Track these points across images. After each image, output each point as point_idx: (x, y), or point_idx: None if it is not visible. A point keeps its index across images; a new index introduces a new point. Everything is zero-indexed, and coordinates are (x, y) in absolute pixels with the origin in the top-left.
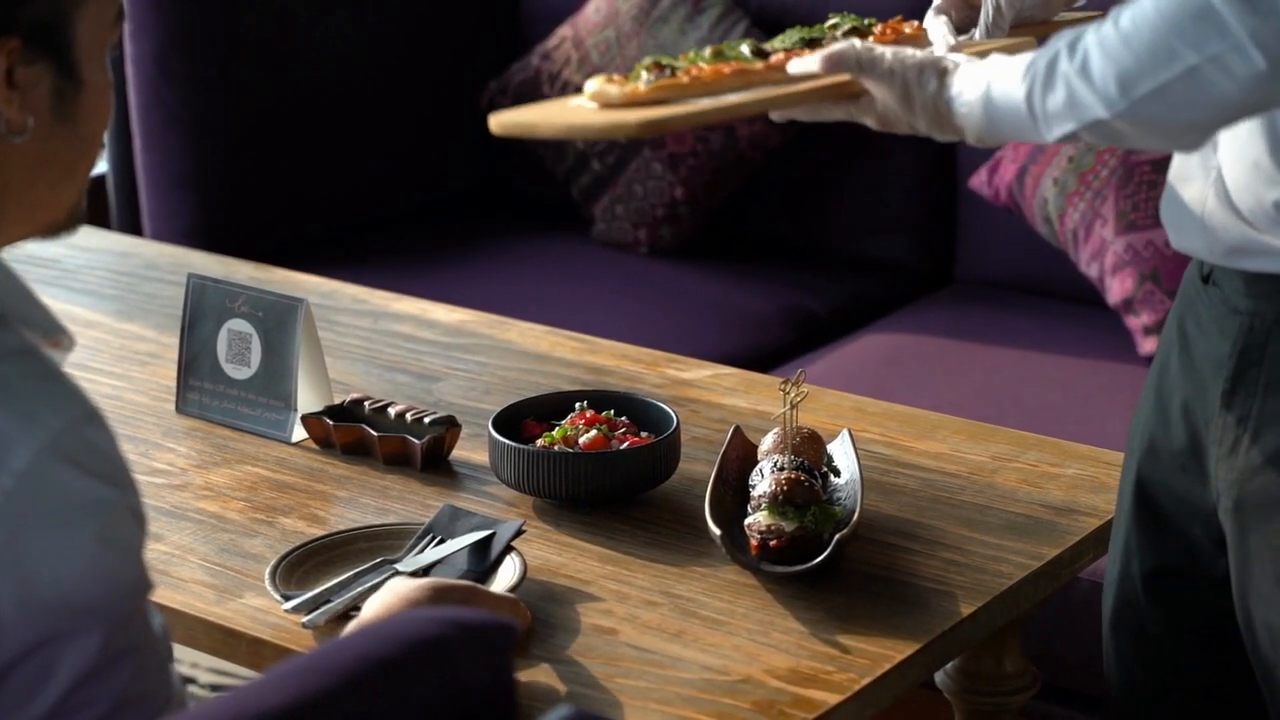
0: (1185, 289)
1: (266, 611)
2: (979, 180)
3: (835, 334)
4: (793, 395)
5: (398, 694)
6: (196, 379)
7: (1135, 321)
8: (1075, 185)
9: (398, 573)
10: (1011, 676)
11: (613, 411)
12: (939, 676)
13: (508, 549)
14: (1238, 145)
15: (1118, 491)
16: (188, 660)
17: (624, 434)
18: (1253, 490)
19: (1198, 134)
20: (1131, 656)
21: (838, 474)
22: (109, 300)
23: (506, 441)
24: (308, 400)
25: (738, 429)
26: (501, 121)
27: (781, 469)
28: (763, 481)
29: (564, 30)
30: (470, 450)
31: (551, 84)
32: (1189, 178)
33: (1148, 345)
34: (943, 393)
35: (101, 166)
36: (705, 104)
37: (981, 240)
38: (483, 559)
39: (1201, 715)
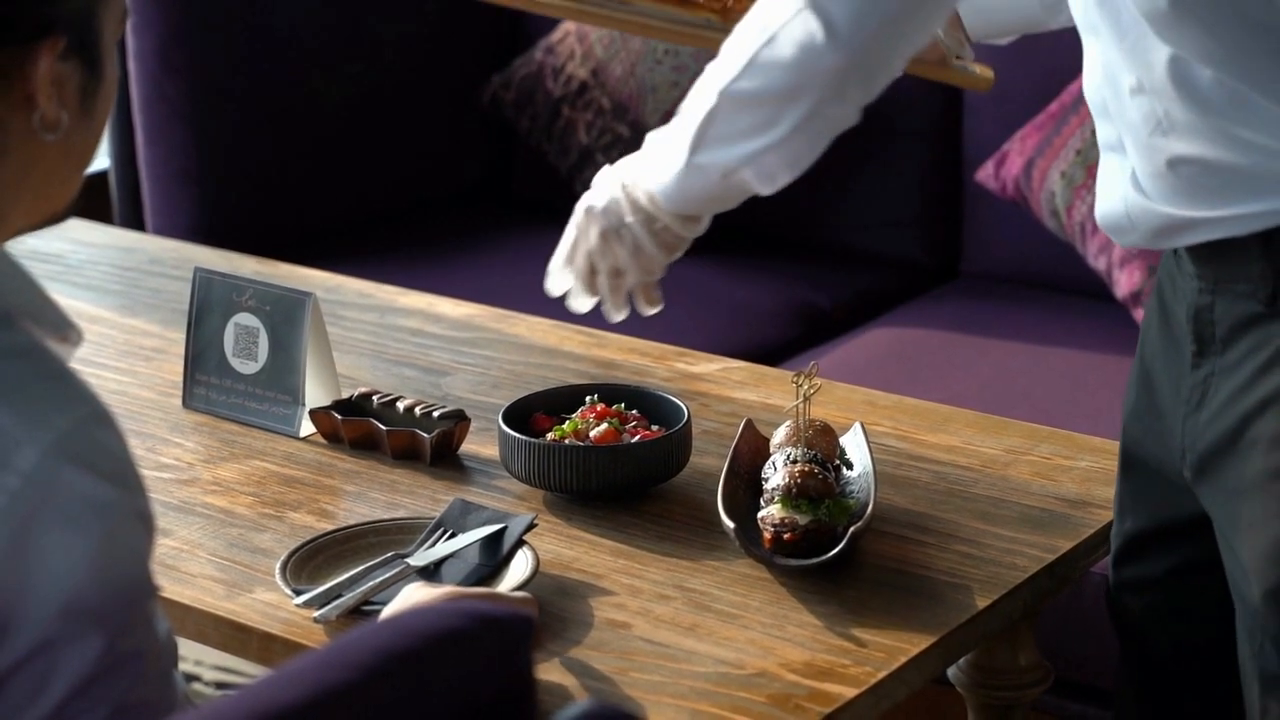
0: (1164, 259)
1: (277, 606)
2: (985, 173)
3: (841, 329)
4: (806, 388)
5: (416, 688)
6: (203, 374)
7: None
8: (1083, 178)
9: (409, 567)
10: (1025, 671)
11: (623, 405)
12: (952, 671)
13: (520, 543)
14: (1136, 137)
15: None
16: (191, 658)
17: (635, 427)
18: (1209, 441)
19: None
20: (1136, 621)
21: (850, 467)
22: (113, 296)
23: (517, 435)
24: (316, 395)
25: (749, 422)
26: None
27: (795, 462)
28: (776, 474)
29: (568, 24)
30: (480, 444)
31: (555, 78)
32: (1111, 184)
33: None
34: (951, 387)
35: (103, 162)
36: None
37: (988, 234)
38: (494, 553)
39: (1207, 678)
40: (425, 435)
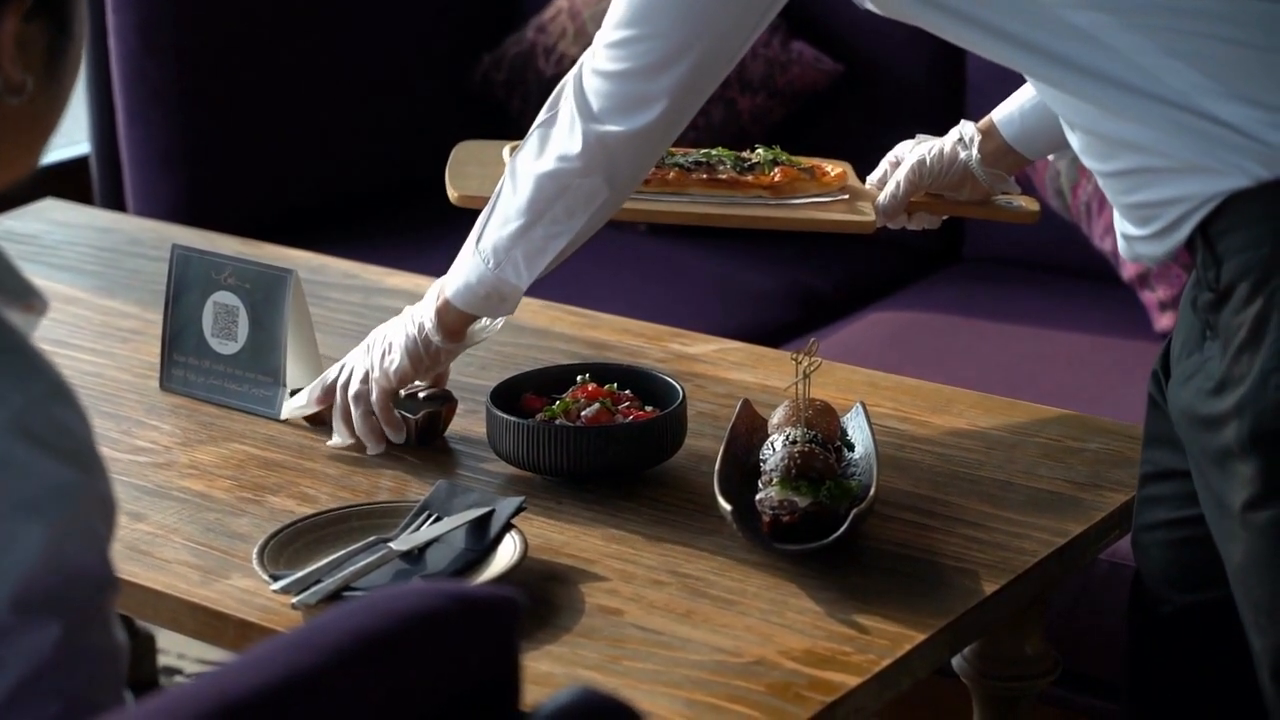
0: None
1: (254, 593)
2: None
3: (840, 312)
4: (805, 365)
5: (391, 672)
6: (181, 354)
7: (1151, 297)
8: None
9: (392, 551)
10: (1032, 660)
11: (616, 385)
12: (956, 661)
13: (507, 527)
14: (1090, 167)
15: None
16: (174, 651)
17: (628, 408)
18: (1180, 417)
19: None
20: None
21: (852, 448)
22: (90, 276)
23: (505, 416)
24: (297, 375)
25: (746, 402)
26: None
27: (794, 442)
28: (774, 455)
29: (560, 2)
30: (467, 426)
31: (547, 57)
32: (1115, 221)
33: (1164, 321)
34: (953, 371)
35: (83, 145)
36: None
37: None
38: (481, 537)
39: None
40: (411, 417)
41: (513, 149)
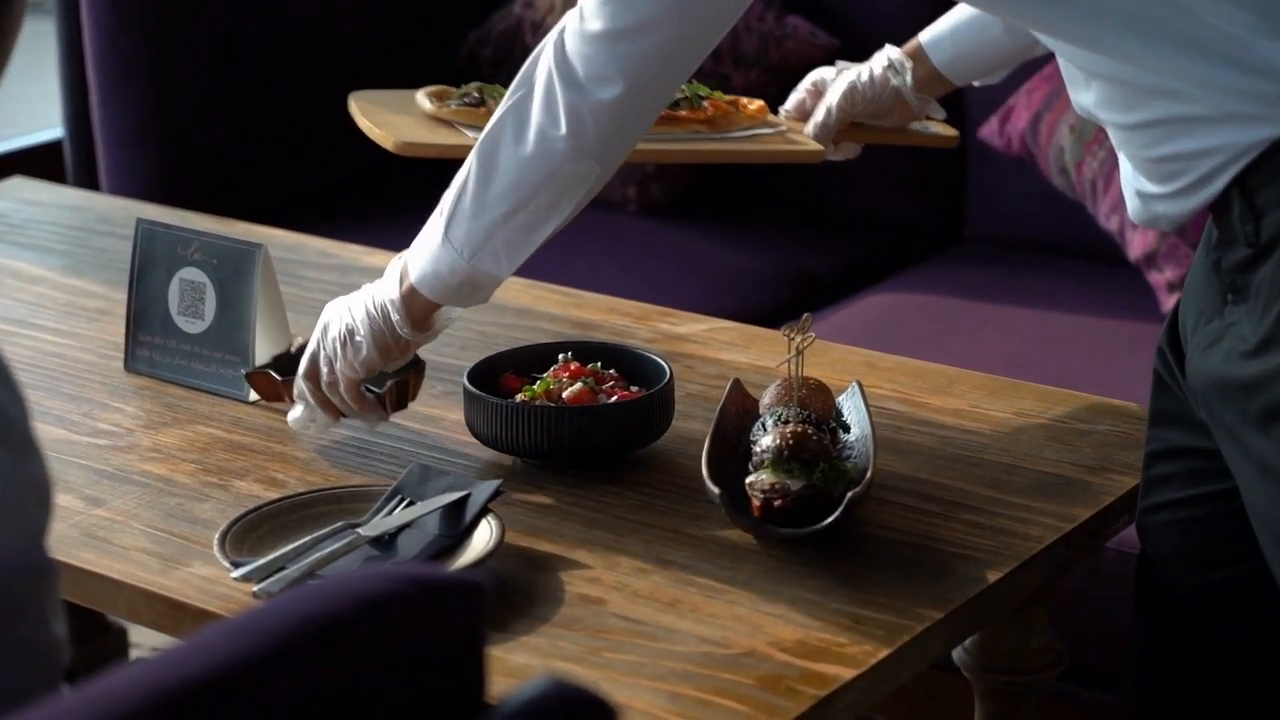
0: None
1: (215, 581)
2: (989, 129)
3: (836, 295)
4: (798, 341)
5: (344, 660)
6: (146, 334)
7: (1159, 278)
8: (1094, 132)
9: (360, 537)
10: (1037, 653)
11: (600, 364)
12: (957, 653)
13: (483, 511)
14: (1108, 121)
15: None
16: (147, 645)
17: (612, 387)
18: (1212, 384)
19: None
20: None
21: (847, 429)
22: (57, 255)
23: (483, 395)
24: (267, 356)
25: (737, 381)
26: (353, 103)
27: (786, 422)
28: (765, 436)
29: None
30: (444, 408)
31: (534, 33)
32: (1126, 184)
33: (1171, 302)
34: (955, 354)
35: (56, 130)
36: (467, 138)
37: (993, 194)
38: (456, 523)
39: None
40: (376, 390)
41: (432, 95)
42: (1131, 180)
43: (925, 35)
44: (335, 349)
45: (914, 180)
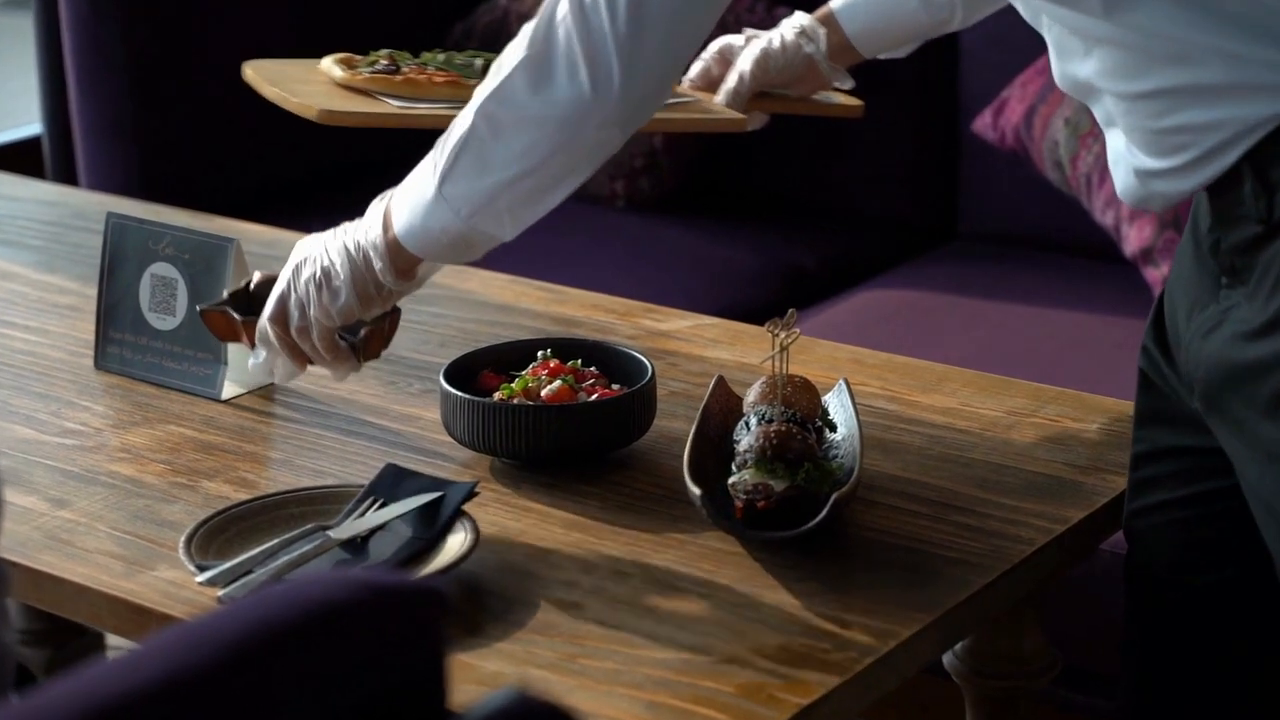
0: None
1: (181, 585)
2: (983, 123)
3: (827, 292)
4: (782, 337)
5: (298, 670)
6: (117, 331)
7: (1155, 274)
8: (1089, 125)
9: (330, 539)
10: (1030, 658)
11: (580, 361)
12: (947, 658)
13: (458, 513)
14: (1110, 89)
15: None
16: (125, 649)
17: (592, 385)
18: (1216, 370)
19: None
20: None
21: (834, 428)
22: (30, 251)
23: (459, 394)
24: (239, 353)
25: (720, 379)
26: (249, 70)
27: (770, 421)
28: (748, 435)
29: None
30: (421, 407)
31: (521, 24)
32: (1117, 159)
33: None
34: (947, 351)
35: (34, 126)
36: (391, 109)
37: (986, 189)
38: (430, 525)
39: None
40: (350, 338)
41: (340, 62)
42: (1125, 157)
43: (837, 2)
44: (309, 292)
45: (907, 174)
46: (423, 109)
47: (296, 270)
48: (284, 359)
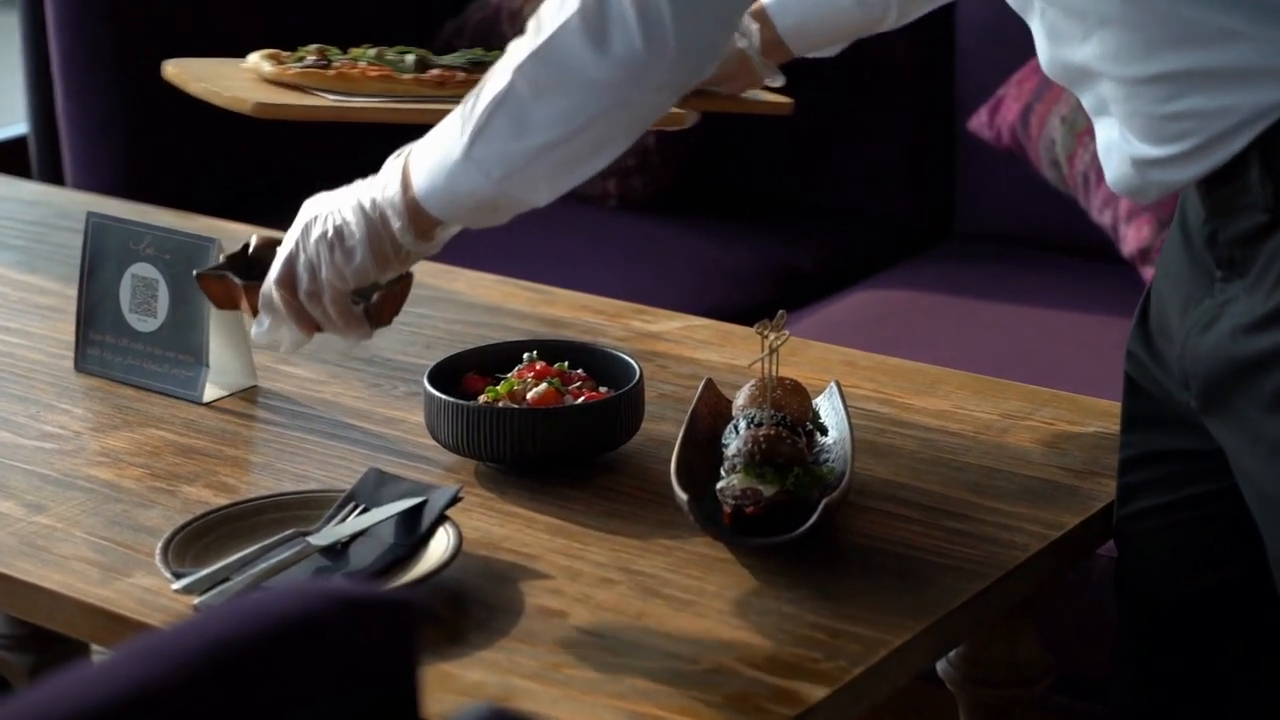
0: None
1: (157, 593)
2: (979, 121)
3: (822, 292)
4: (772, 339)
5: (265, 684)
6: (97, 332)
7: (1152, 274)
8: (1085, 123)
9: (310, 546)
10: (1024, 665)
11: (567, 363)
12: (941, 665)
13: (441, 519)
14: (1108, 73)
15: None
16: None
17: (579, 388)
18: (1216, 365)
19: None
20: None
21: (825, 432)
22: (12, 251)
23: (443, 397)
24: (221, 355)
25: (709, 382)
26: (170, 68)
27: (759, 424)
28: (737, 439)
29: None
30: (405, 410)
31: (512, 23)
32: (1109, 148)
33: None
34: (942, 352)
35: (20, 125)
36: (328, 101)
37: (982, 188)
38: (412, 531)
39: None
40: (362, 300)
41: (268, 57)
42: (1120, 145)
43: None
44: (320, 253)
45: (902, 173)
46: (360, 102)
47: (306, 230)
48: (290, 326)
